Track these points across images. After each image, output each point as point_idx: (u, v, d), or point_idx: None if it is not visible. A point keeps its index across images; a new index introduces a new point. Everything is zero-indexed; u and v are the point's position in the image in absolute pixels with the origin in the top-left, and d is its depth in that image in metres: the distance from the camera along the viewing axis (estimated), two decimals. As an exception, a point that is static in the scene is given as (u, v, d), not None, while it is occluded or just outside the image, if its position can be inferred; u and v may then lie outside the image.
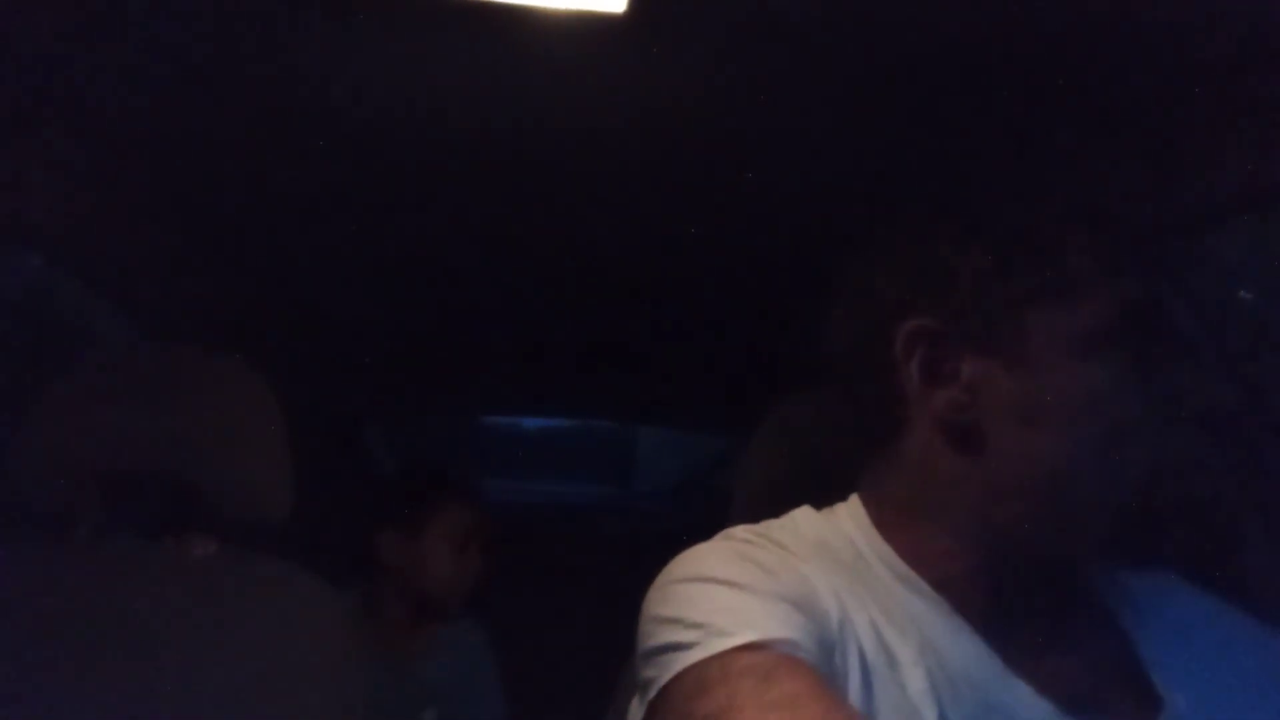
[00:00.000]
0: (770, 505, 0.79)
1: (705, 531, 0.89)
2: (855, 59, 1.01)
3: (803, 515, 0.76)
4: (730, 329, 1.84)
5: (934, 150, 1.16)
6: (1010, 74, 0.98)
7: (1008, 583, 0.68)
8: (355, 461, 2.45)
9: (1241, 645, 0.70)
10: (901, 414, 0.71)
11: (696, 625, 0.61)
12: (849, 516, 0.74)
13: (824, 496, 0.78)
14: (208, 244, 1.45)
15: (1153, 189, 1.01)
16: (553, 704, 0.70)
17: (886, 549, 0.71)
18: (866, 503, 0.75)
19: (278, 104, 1.13)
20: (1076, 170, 1.10)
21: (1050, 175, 1.13)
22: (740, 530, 0.72)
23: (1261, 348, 1.09)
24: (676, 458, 3.39)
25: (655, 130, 1.18)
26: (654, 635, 0.63)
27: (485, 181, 1.34)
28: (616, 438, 3.47)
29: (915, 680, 0.63)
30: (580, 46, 0.99)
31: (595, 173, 1.30)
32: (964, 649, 0.66)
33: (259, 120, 1.17)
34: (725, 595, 0.62)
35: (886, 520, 0.72)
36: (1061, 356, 0.66)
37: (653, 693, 0.61)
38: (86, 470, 0.97)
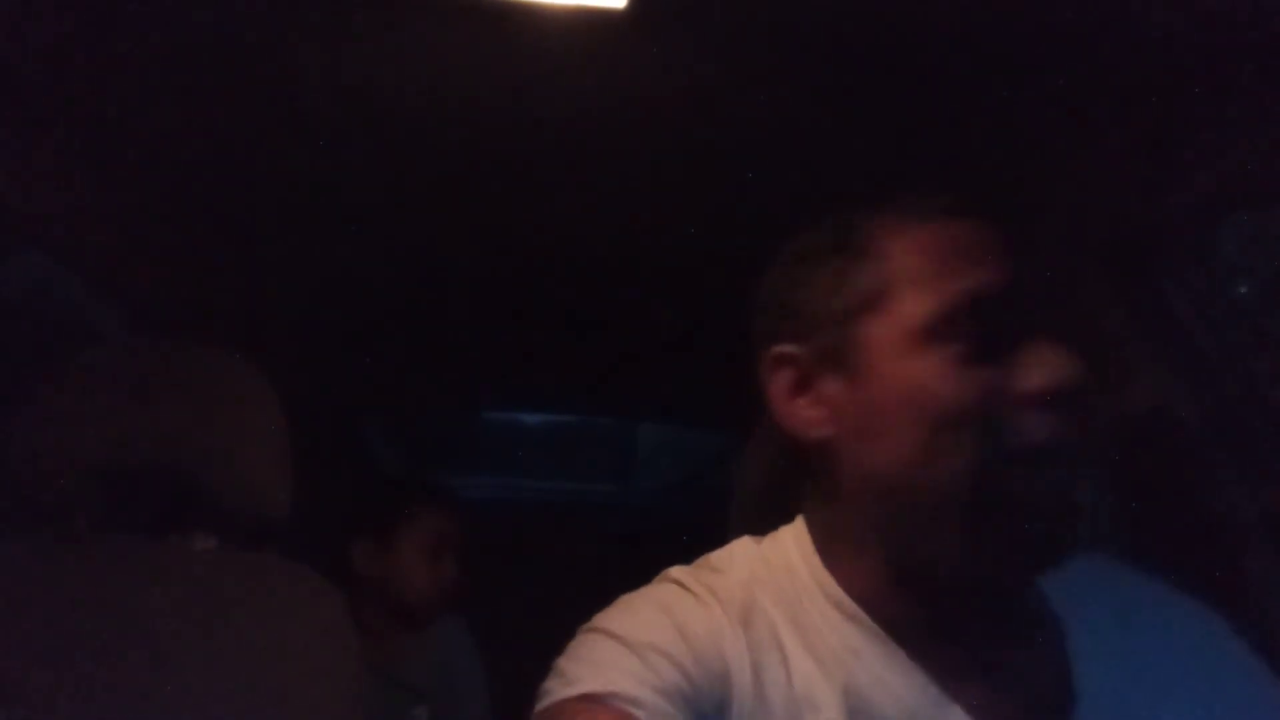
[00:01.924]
0: (768, 503, 0.79)
1: (704, 529, 0.89)
2: (853, 55, 1.01)
3: (740, 548, 0.77)
4: (731, 326, 1.84)
5: (934, 146, 1.16)
6: (1007, 75, 0.98)
7: (936, 606, 0.67)
8: (355, 458, 2.45)
9: (1178, 635, 0.70)
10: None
11: (560, 674, 0.64)
12: (793, 542, 0.74)
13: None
14: (208, 241, 1.45)
15: (1152, 187, 1.01)
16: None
17: (825, 575, 0.71)
18: (810, 525, 0.74)
19: (278, 101, 1.13)
20: (1075, 169, 1.11)
21: (1049, 176, 1.13)
22: (676, 572, 0.74)
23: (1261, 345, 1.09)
24: (677, 455, 3.39)
25: (656, 126, 1.18)
26: (545, 679, 0.67)
27: (486, 177, 1.34)
28: (617, 435, 3.46)
29: None
30: (581, 42, 0.99)
31: (596, 168, 1.30)
32: (897, 681, 0.65)
33: (259, 117, 1.17)
34: (601, 647, 0.65)
35: (824, 544, 0.72)
36: (890, 359, 0.67)
37: None
38: (87, 466, 0.97)
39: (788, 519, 0.78)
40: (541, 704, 0.63)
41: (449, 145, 1.24)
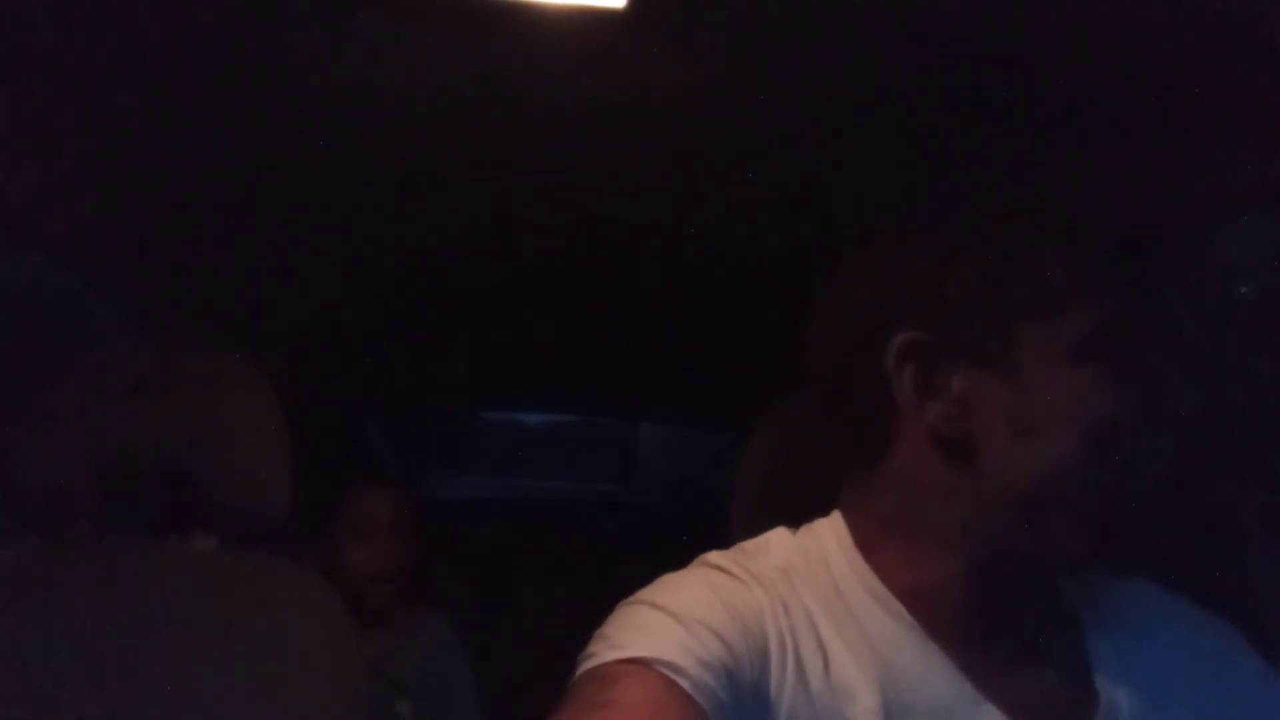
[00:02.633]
0: (769, 503, 0.80)
1: (704, 529, 0.89)
2: (853, 55, 1.01)
3: (776, 537, 0.77)
4: (731, 326, 1.84)
5: (933, 146, 1.16)
6: (1007, 75, 0.98)
7: (986, 602, 0.68)
8: (355, 458, 2.45)
9: (1191, 644, 0.71)
10: (890, 428, 0.71)
11: (606, 639, 0.65)
12: (831, 535, 0.74)
13: (822, 495, 0.78)
14: (208, 241, 1.45)
15: (1152, 187, 1.01)
16: (551, 701, 0.70)
17: (865, 569, 0.71)
18: (849, 520, 0.74)
19: (279, 101, 1.13)
20: (1075, 169, 1.10)
21: (1049, 175, 1.13)
22: (714, 556, 0.74)
23: (1261, 346, 1.09)
24: (677, 455, 3.40)
25: (655, 125, 1.18)
26: (587, 646, 0.66)
27: (486, 176, 1.34)
28: (617, 434, 3.47)
29: (868, 717, 0.64)
30: (580, 42, 0.99)
31: (596, 168, 1.30)
32: (933, 676, 0.66)
33: (259, 117, 1.17)
34: (649, 617, 0.66)
35: (868, 538, 0.72)
36: (1051, 366, 0.68)
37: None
38: (87, 466, 0.97)
39: (788, 519, 0.78)
40: (586, 666, 0.63)
41: (449, 145, 1.24)
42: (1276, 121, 0.85)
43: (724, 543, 0.79)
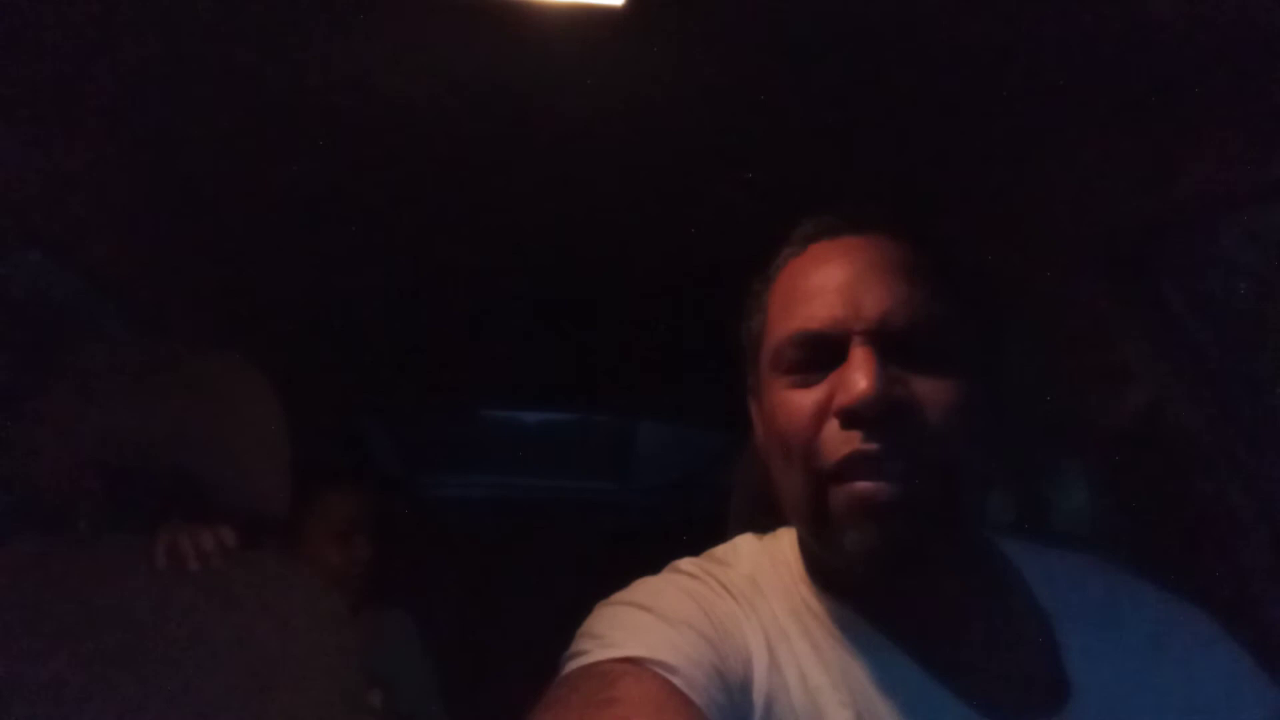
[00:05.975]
0: (768, 503, 0.80)
1: (703, 528, 0.89)
2: (852, 54, 1.01)
3: (744, 544, 0.79)
4: (731, 325, 1.84)
5: (932, 146, 1.16)
6: (1005, 75, 0.98)
7: (892, 592, 0.69)
8: (355, 458, 2.45)
9: (1163, 629, 0.71)
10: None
11: (596, 637, 0.65)
12: (788, 540, 0.77)
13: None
14: (209, 241, 1.45)
15: (1152, 187, 1.01)
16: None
17: (804, 571, 0.74)
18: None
19: (277, 100, 1.13)
20: (1074, 169, 1.11)
21: (1049, 175, 1.13)
22: (685, 564, 0.76)
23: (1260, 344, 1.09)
24: (676, 453, 3.39)
25: (654, 124, 1.18)
26: (571, 645, 0.67)
27: (485, 175, 1.34)
28: (616, 433, 3.46)
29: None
30: (580, 40, 0.99)
31: (595, 166, 1.30)
32: (892, 673, 0.67)
33: (258, 116, 1.17)
34: (635, 617, 0.67)
35: (803, 541, 0.75)
36: (763, 388, 0.74)
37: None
38: (87, 466, 0.97)
39: (787, 519, 0.79)
40: (578, 663, 0.64)
41: (448, 143, 1.23)
42: (1276, 121, 0.85)
43: (723, 542, 0.80)
